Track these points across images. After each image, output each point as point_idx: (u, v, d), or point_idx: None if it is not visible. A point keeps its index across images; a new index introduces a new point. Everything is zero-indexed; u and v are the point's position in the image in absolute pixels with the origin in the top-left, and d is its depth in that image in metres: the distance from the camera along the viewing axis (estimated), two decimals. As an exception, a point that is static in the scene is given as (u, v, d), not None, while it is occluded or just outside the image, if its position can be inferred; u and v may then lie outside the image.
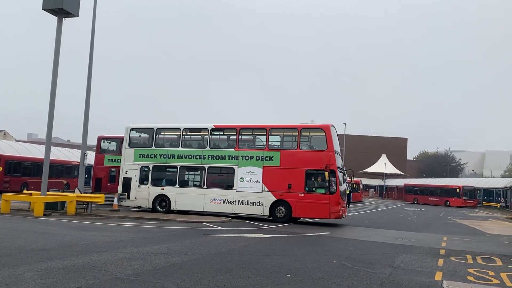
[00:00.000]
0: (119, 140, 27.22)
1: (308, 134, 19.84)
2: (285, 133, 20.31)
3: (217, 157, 20.24)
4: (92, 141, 29.21)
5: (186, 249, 10.58)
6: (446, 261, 10.59)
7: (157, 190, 21.02)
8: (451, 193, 55.00)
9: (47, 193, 18.96)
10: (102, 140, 27.78)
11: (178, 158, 20.93)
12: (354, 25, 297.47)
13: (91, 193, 23.15)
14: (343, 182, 19.70)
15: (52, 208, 19.13)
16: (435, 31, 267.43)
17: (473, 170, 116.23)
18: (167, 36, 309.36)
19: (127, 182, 21.67)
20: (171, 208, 20.68)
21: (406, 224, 23.21)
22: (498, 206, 53.41)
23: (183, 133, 21.44)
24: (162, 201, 20.90)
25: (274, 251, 11.04)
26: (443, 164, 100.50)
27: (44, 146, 19.64)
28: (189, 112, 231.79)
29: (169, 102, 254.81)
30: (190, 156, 20.78)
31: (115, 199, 21.74)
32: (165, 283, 6.89)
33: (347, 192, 20.62)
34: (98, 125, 67.88)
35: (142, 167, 21.50)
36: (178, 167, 20.87)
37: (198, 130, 21.78)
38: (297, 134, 19.23)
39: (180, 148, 21.07)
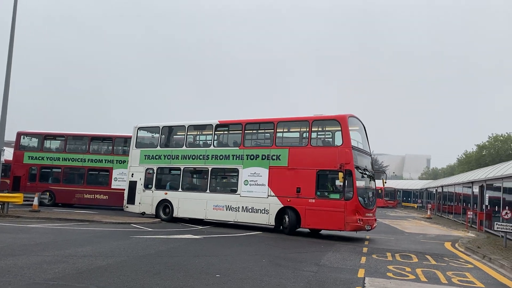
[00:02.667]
0: (41, 137, 25.82)
1: (321, 127, 16.77)
2: (294, 127, 17.42)
3: (221, 157, 17.86)
4: (9, 137, 27.24)
5: (112, 251, 10.19)
6: (368, 259, 11.14)
7: (160, 194, 19.13)
8: (373, 194, 57.93)
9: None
10: (22, 136, 26.15)
11: (182, 159, 18.91)
12: (282, 25, 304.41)
13: (8, 192, 21.59)
14: (369, 186, 16.63)
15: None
16: (349, 32, 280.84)
17: (393, 173, 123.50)
18: (102, 30, 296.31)
19: (132, 186, 19.96)
20: (174, 215, 18.66)
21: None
22: (415, 207, 57.29)
23: (188, 131, 19.31)
24: (166, 207, 18.96)
25: (204, 252, 10.97)
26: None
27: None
28: (122, 110, 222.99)
29: (104, 100, 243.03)
30: (193, 157, 18.62)
31: (35, 199, 20.51)
32: (89, 287, 6.59)
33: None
34: (16, 121, 63.42)
35: (147, 169, 19.72)
36: (182, 169, 18.85)
37: (203, 127, 19.51)
38: (307, 127, 16.23)
39: (184, 147, 19.08)
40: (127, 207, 20.19)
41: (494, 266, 11.10)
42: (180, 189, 18.80)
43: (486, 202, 22.52)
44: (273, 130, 17.04)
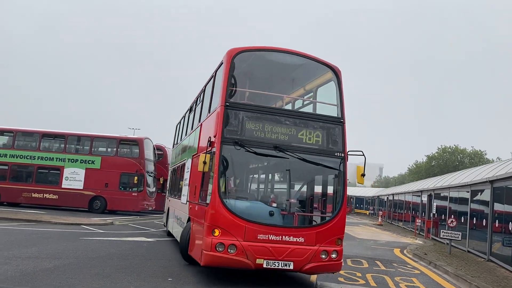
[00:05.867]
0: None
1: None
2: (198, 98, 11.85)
3: (183, 151, 13.48)
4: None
5: (60, 252, 9.79)
6: (321, 264, 11.31)
7: (168, 202, 15.90)
8: (328, 200, 59.09)
9: None
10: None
11: (176, 156, 15.44)
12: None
13: None
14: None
15: None
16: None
17: (348, 180, 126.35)
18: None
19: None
20: (168, 229, 14.87)
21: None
22: (367, 213, 58.86)
23: (182, 122, 15.27)
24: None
25: (156, 255, 10.77)
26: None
27: None
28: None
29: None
30: (178, 153, 14.89)
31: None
32: (32, 290, 6.30)
33: None
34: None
35: (171, 171, 16.56)
36: (174, 169, 15.31)
37: (187, 116, 14.40)
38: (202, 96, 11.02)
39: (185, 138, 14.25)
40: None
41: (439, 272, 11.60)
42: (173, 195, 14.66)
43: (434, 211, 23.49)
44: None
